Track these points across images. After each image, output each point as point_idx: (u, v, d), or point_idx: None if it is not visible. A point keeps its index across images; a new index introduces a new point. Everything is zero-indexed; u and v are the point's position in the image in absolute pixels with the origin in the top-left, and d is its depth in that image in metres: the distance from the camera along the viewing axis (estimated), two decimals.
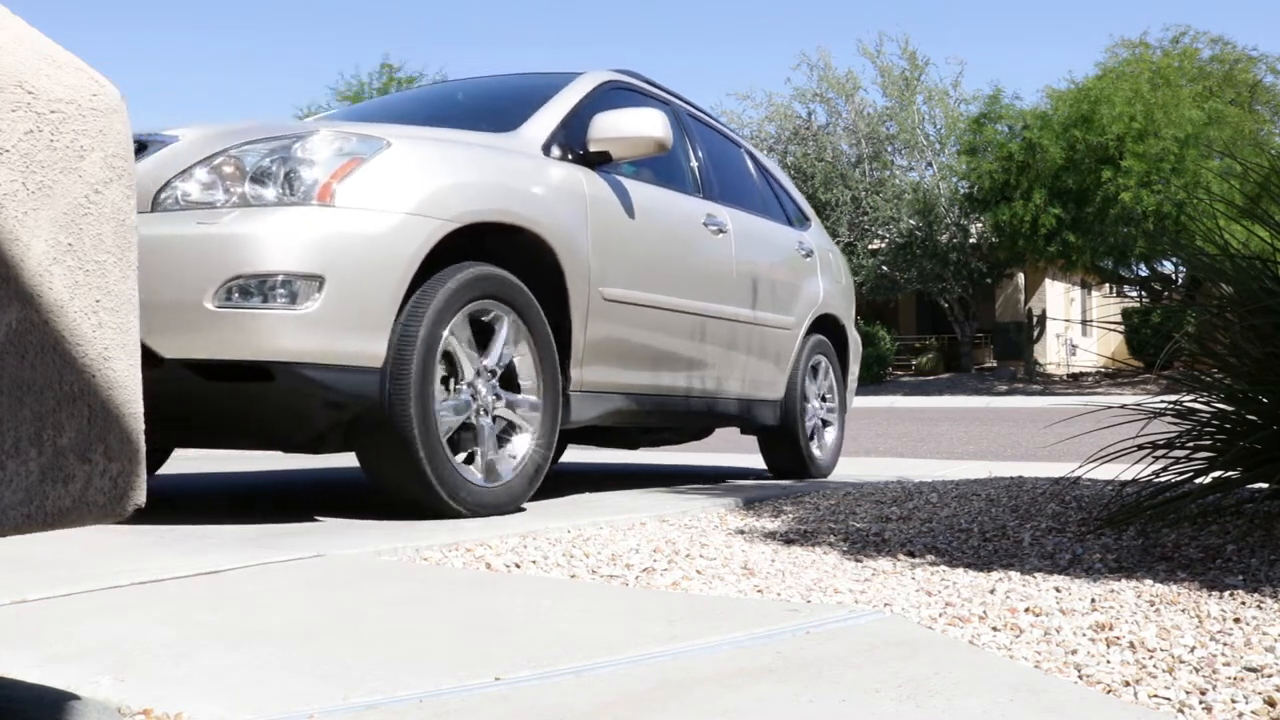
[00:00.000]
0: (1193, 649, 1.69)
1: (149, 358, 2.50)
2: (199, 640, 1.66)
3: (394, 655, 1.58)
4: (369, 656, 1.57)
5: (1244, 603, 2.04)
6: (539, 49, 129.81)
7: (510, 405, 3.25)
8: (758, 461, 5.45)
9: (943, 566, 2.47)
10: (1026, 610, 1.98)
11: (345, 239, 2.75)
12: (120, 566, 2.27)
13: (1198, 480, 2.95)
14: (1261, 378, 2.85)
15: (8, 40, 1.04)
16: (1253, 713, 1.38)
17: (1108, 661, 1.63)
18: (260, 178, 2.78)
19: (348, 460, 5.82)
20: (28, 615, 1.83)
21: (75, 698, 1.33)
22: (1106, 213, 20.57)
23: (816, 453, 5.15)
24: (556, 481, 4.49)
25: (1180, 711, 1.39)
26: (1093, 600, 2.07)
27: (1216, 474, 2.95)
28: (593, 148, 3.60)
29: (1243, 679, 1.52)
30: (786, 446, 5.00)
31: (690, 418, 4.38)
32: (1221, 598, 2.08)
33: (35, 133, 1.04)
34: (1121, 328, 23.72)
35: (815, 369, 5.22)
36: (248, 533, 2.82)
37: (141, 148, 2.85)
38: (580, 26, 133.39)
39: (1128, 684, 1.50)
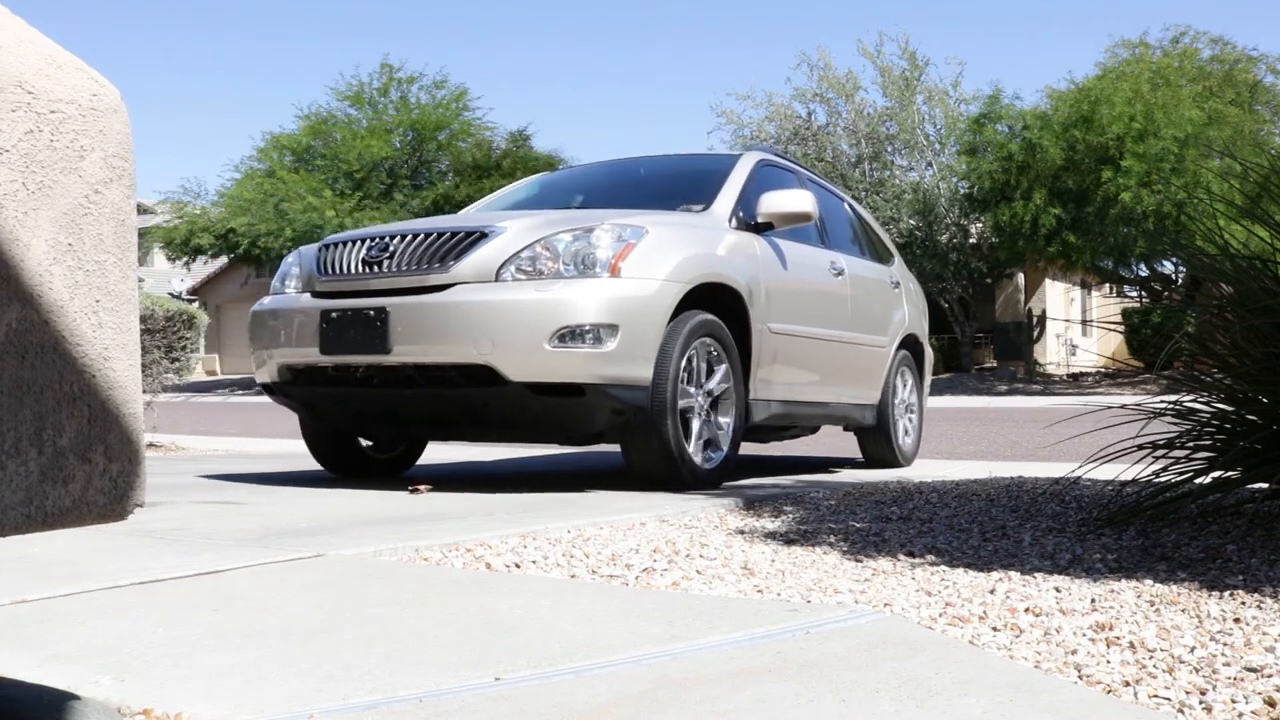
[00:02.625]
0: (1193, 649, 1.69)
1: (498, 379, 3.83)
2: (199, 640, 1.66)
3: (394, 655, 1.58)
4: (369, 656, 1.57)
5: (1244, 603, 2.04)
6: (539, 49, 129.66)
7: (714, 411, 4.38)
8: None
9: (943, 566, 2.47)
10: (1026, 610, 1.98)
11: (629, 300, 3.92)
12: (120, 566, 2.27)
13: (1198, 480, 2.94)
14: (1261, 378, 2.85)
15: (8, 41, 1.04)
16: (1253, 713, 1.37)
17: (1108, 661, 1.63)
18: (568, 258, 3.93)
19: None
20: (28, 615, 1.83)
21: (75, 698, 1.33)
22: (1106, 213, 20.52)
23: (903, 445, 6.12)
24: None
25: (1180, 711, 1.39)
26: (1093, 600, 2.07)
27: (1216, 474, 2.95)
28: (760, 219, 4.79)
29: (1243, 679, 1.52)
30: (881, 441, 5.98)
31: (815, 419, 5.45)
32: (1221, 598, 2.08)
33: (35, 133, 1.04)
34: (1121, 328, 23.68)
35: (901, 378, 6.24)
36: (248, 533, 2.83)
37: (482, 236, 3.99)
38: (580, 27, 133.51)
39: (1128, 684, 1.50)
